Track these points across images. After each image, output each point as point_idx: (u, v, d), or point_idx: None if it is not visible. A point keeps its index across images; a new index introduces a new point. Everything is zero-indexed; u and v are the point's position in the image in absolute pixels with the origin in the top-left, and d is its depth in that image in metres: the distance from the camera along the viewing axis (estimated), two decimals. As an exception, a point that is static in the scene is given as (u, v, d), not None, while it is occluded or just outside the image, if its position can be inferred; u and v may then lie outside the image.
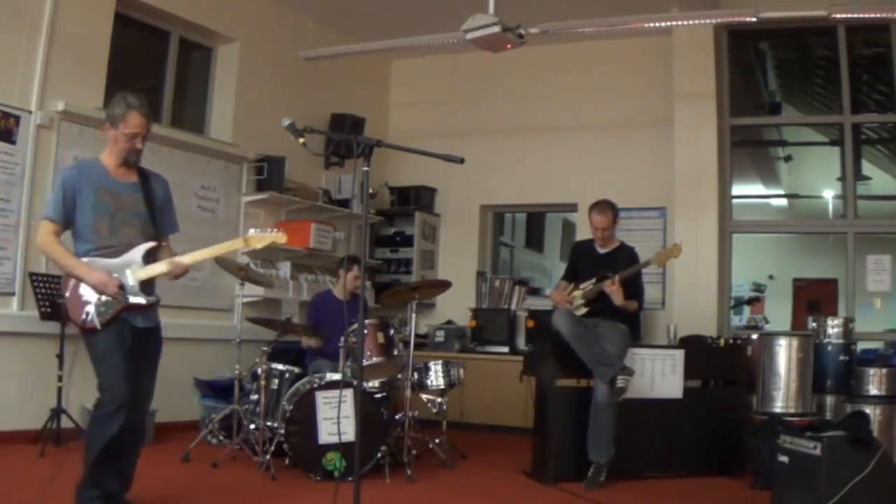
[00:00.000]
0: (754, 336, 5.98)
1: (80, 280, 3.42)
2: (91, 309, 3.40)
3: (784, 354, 5.42)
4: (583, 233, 7.06)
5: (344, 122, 7.68)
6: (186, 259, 3.62)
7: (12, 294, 5.37)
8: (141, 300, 3.51)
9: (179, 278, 3.67)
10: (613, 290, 5.02)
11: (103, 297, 3.41)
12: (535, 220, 10.98)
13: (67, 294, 3.45)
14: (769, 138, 9.00)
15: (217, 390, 6.21)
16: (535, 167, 8.07)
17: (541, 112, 8.10)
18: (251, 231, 3.78)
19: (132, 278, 3.49)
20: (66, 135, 5.66)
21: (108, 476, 3.45)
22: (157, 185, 3.69)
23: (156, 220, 3.64)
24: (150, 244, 3.57)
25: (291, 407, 4.81)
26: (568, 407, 5.14)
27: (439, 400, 5.49)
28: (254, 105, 7.04)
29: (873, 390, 5.28)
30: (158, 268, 3.57)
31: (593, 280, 5.18)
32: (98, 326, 3.41)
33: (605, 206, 5.25)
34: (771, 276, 10.14)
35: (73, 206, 3.45)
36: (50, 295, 5.30)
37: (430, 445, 5.45)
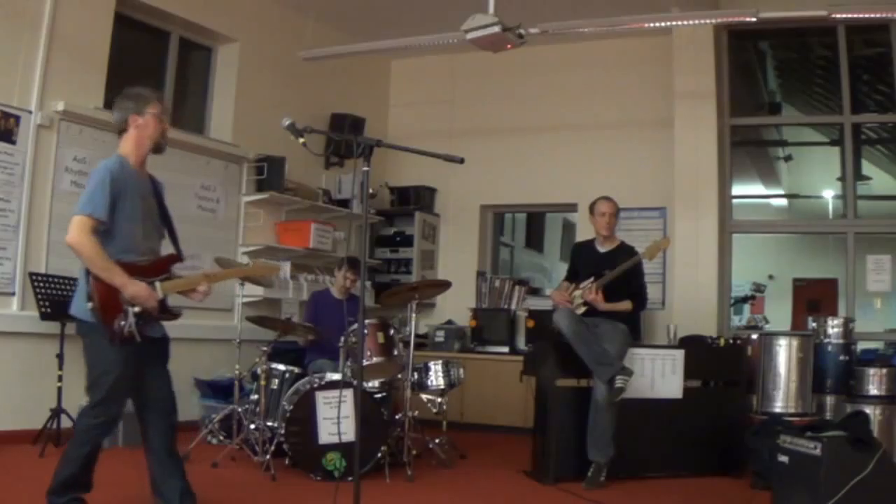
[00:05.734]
0: (754, 336, 5.96)
1: (115, 287, 3.18)
2: (131, 319, 3.20)
3: (784, 354, 5.41)
4: (582, 233, 7.07)
5: (344, 122, 7.68)
6: (217, 276, 3.62)
7: (12, 294, 5.38)
8: (169, 314, 3.39)
9: (204, 298, 3.50)
10: (592, 298, 5.08)
11: (137, 308, 3.23)
12: (535, 220, 10.99)
13: (98, 297, 3.17)
14: (769, 138, 9.00)
15: (217, 390, 6.21)
16: (535, 167, 8.07)
17: (541, 112, 8.09)
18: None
19: (160, 290, 3.32)
20: (66, 135, 5.66)
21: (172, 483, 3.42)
22: (160, 189, 3.55)
23: (169, 226, 3.52)
24: (174, 255, 3.46)
25: (291, 407, 4.81)
26: (568, 407, 5.14)
27: (439, 400, 5.49)
28: (254, 105, 7.03)
29: (873, 390, 5.28)
30: (193, 281, 3.44)
31: (592, 279, 5.19)
32: (138, 338, 3.24)
33: (609, 198, 5.40)
34: (771, 276, 10.12)
35: (114, 204, 3.20)
36: (50, 295, 5.30)
37: (430, 445, 5.45)
